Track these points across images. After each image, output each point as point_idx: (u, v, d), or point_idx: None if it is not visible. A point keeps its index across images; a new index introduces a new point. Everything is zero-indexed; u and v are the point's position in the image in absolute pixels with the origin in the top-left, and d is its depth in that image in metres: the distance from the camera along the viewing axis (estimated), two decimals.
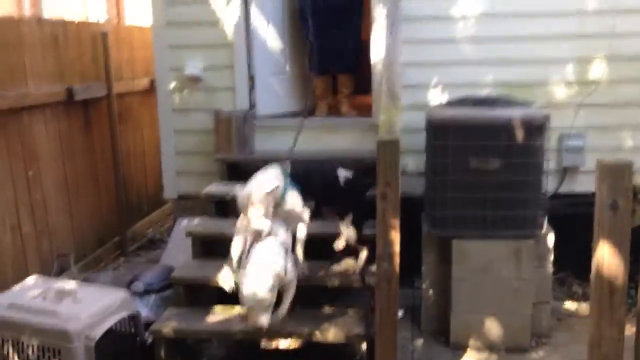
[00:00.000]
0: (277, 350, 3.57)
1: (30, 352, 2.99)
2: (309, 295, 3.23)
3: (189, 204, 4.43)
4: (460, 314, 3.61)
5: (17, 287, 3.30)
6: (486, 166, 3.48)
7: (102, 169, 5.10)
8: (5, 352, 3.04)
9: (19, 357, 3.01)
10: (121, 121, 5.30)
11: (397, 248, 2.71)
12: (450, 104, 3.82)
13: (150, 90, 5.52)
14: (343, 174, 3.35)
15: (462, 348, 3.60)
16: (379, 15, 4.10)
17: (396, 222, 2.68)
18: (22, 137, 4.10)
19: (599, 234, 2.17)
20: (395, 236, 2.70)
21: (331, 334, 3.12)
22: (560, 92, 4.23)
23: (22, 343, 3.00)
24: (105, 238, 5.05)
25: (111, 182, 5.19)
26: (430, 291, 3.76)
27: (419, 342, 3.70)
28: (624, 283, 2.18)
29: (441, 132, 3.54)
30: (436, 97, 4.23)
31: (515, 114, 3.47)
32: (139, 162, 5.80)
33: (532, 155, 3.46)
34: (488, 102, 3.70)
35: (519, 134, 3.42)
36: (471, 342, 3.60)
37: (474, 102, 3.69)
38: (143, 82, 5.71)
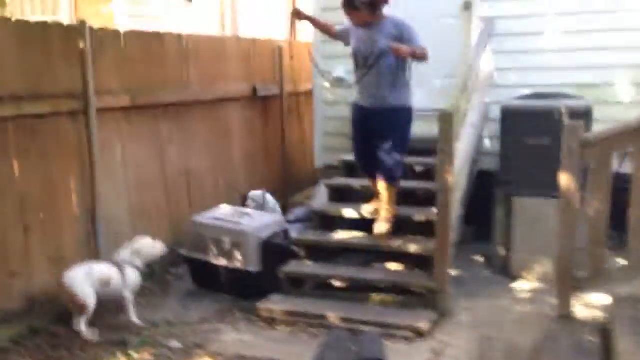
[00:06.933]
0: None
1: (224, 245, 4.84)
2: None
3: (330, 171, 6.09)
4: (518, 253, 4.88)
5: (216, 210, 5.19)
6: (540, 143, 4.73)
7: (273, 148, 7.00)
8: (209, 245, 4.91)
9: (216, 248, 4.86)
10: (289, 114, 7.17)
11: (450, 185, 4.13)
12: (520, 98, 5.10)
13: (311, 92, 7.31)
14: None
15: (519, 278, 4.87)
16: (473, 31, 5.48)
17: (450, 169, 4.12)
18: (223, 119, 6.09)
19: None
20: (449, 177, 4.12)
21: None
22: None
23: (220, 240, 4.85)
24: None
25: (279, 159, 7.07)
26: (498, 238, 5.06)
27: (489, 273, 5.03)
28: None
29: (510, 117, 4.87)
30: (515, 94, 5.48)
31: (562, 104, 4.68)
32: (299, 147, 7.63)
33: None
34: (546, 97, 4.93)
35: (565, 119, 4.62)
36: (524, 274, 4.85)
37: (537, 97, 4.94)
38: (306, 85, 7.53)
